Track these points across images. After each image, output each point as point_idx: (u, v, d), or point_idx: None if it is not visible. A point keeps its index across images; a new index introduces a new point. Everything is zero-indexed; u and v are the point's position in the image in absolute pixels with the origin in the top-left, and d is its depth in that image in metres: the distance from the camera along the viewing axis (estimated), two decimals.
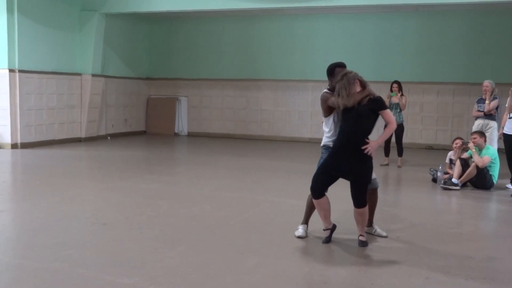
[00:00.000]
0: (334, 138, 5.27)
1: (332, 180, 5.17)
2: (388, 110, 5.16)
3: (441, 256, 4.95)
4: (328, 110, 5.31)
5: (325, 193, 5.20)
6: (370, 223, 5.58)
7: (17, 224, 6.00)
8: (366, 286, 4.18)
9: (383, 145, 10.58)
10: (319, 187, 5.15)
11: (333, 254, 4.98)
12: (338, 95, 5.08)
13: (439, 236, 5.67)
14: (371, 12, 14.13)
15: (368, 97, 5.05)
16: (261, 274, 4.39)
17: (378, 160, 9.49)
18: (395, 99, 10.42)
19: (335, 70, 5.35)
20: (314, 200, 5.22)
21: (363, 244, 5.17)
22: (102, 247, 5.08)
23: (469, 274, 4.48)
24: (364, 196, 5.11)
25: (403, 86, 13.64)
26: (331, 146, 5.28)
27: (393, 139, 10.39)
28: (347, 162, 5.03)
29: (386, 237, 5.47)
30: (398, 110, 10.41)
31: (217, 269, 4.46)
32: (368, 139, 5.01)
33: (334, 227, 5.30)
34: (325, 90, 5.42)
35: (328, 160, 5.18)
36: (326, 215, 5.24)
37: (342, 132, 5.13)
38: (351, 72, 5.16)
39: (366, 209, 5.14)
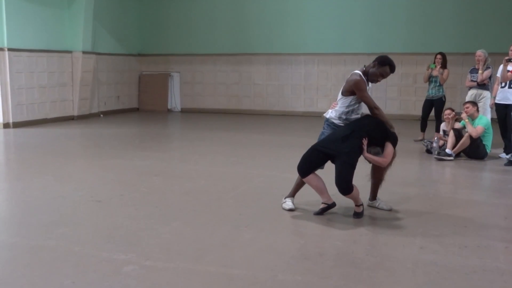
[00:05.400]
0: (339, 114, 5.30)
1: (319, 160, 5.15)
2: (393, 148, 5.14)
3: (435, 226, 4.98)
4: (351, 92, 5.27)
5: (313, 172, 5.19)
6: (374, 197, 5.58)
7: (12, 203, 5.99)
8: (361, 257, 4.20)
9: (420, 119, 10.41)
10: (305, 166, 5.16)
11: (328, 226, 4.99)
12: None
13: (433, 206, 5.70)
14: None
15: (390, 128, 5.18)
16: (257, 247, 4.41)
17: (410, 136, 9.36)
18: (435, 72, 9.92)
19: (384, 66, 5.23)
20: (303, 179, 5.24)
21: (358, 215, 5.18)
22: (97, 225, 5.09)
23: (463, 242, 4.52)
24: (346, 182, 4.99)
25: (398, 57, 13.60)
26: (335, 122, 5.30)
27: (432, 113, 10.09)
28: (337, 141, 5.03)
29: (390, 210, 5.45)
30: (438, 84, 9.93)
31: (212, 244, 4.47)
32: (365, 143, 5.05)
33: (331, 205, 5.23)
34: (359, 72, 5.28)
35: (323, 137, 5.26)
36: (321, 191, 5.22)
37: (355, 121, 5.24)
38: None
39: (352, 195, 5.06)
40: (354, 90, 5.23)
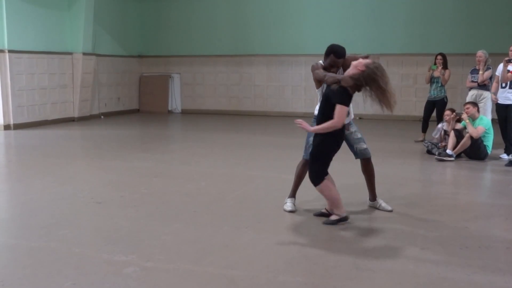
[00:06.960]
0: None
1: None
2: (338, 106, 4.72)
3: (436, 227, 4.97)
4: (318, 82, 5.24)
5: (328, 176, 5.05)
6: (374, 197, 5.55)
7: (12, 205, 5.99)
8: (362, 257, 4.19)
9: (421, 120, 10.33)
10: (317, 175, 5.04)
11: (329, 227, 4.98)
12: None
13: (434, 207, 5.69)
14: None
15: (337, 83, 4.83)
16: (257, 248, 4.41)
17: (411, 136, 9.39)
18: (436, 73, 9.90)
19: (329, 55, 5.11)
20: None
21: (331, 222, 4.98)
22: (97, 226, 5.08)
23: (464, 243, 4.51)
24: (313, 172, 4.94)
25: (399, 58, 13.66)
26: None
27: (434, 114, 10.04)
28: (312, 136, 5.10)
29: (391, 211, 5.42)
30: (440, 85, 9.90)
31: (213, 245, 4.47)
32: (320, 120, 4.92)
33: (342, 218, 5.02)
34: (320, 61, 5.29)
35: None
36: (334, 203, 5.04)
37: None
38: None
39: (320, 188, 4.92)
40: (313, 76, 5.20)
